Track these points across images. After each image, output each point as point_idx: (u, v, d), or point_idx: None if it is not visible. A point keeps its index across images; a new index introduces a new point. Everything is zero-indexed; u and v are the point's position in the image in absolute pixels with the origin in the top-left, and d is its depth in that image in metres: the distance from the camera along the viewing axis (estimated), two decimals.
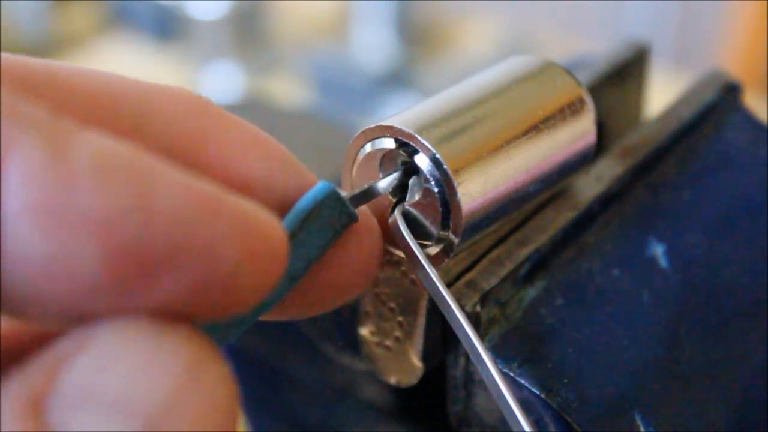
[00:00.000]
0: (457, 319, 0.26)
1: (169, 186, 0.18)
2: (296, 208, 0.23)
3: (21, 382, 0.18)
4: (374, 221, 0.26)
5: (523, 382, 0.27)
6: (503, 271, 0.28)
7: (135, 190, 0.18)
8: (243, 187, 0.23)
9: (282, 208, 0.23)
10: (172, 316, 0.19)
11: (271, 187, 0.23)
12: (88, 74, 0.22)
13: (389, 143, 0.27)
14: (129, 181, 0.18)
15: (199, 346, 0.19)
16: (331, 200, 0.23)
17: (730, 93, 0.37)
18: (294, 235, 0.23)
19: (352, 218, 0.24)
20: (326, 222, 0.23)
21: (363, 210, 0.25)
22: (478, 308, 0.27)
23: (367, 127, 0.27)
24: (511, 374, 0.27)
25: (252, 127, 0.24)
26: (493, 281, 0.28)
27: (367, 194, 0.26)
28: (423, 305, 0.28)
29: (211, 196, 0.19)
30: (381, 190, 0.27)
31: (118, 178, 0.18)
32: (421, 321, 0.28)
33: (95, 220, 0.17)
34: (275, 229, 0.20)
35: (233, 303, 0.20)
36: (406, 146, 0.26)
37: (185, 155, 0.22)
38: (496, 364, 0.25)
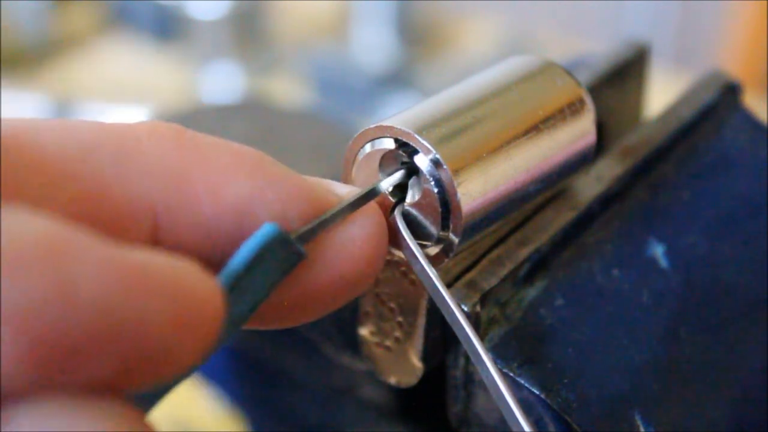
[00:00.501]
0: (457, 319, 0.25)
1: (93, 269, 0.18)
2: (240, 252, 0.22)
3: None
4: (382, 218, 0.25)
5: (523, 382, 0.27)
6: (503, 271, 0.28)
7: (55, 278, 0.17)
8: (237, 211, 0.23)
9: (280, 219, 0.23)
10: (99, 390, 0.18)
11: (263, 204, 0.23)
12: (58, 133, 0.21)
13: (389, 143, 0.27)
14: (49, 269, 0.17)
15: (125, 422, 0.18)
16: (276, 243, 0.23)
17: (730, 93, 0.37)
18: (238, 280, 0.22)
19: (301, 257, 0.23)
20: (272, 264, 0.23)
21: (372, 206, 0.25)
22: (478, 308, 0.27)
23: (367, 127, 0.27)
24: (511, 374, 0.27)
25: (231, 145, 0.24)
26: (493, 281, 0.28)
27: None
28: (423, 305, 0.28)
29: (139, 272, 0.18)
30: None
31: (37, 267, 0.17)
32: (421, 321, 0.28)
33: (14, 312, 0.17)
34: (209, 293, 0.20)
35: (165, 372, 0.19)
36: (406, 146, 0.26)
37: (170, 194, 0.22)
38: (495, 364, 0.25)
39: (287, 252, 0.23)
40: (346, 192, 0.25)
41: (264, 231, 0.23)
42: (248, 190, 0.23)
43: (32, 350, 0.17)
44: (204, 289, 0.20)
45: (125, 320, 0.18)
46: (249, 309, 0.23)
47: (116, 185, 0.22)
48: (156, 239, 0.23)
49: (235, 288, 0.22)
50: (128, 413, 0.19)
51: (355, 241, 0.24)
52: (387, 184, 0.27)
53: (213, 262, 0.22)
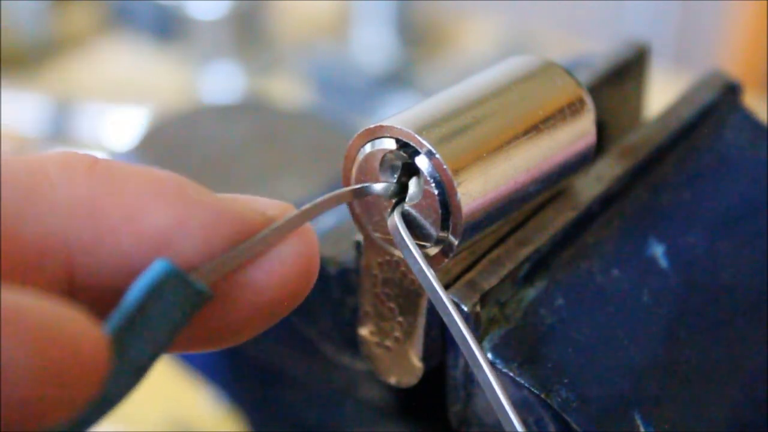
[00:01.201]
0: (454, 320, 0.25)
1: None
2: (131, 291, 0.21)
3: None
4: (312, 236, 0.23)
5: (523, 382, 0.27)
6: (503, 271, 0.28)
7: None
8: (157, 242, 0.21)
9: (204, 247, 0.22)
10: None
11: (184, 232, 0.21)
12: None
13: (389, 143, 0.27)
14: None
15: None
16: (171, 281, 0.21)
17: (730, 93, 0.37)
18: (132, 323, 0.20)
19: (204, 296, 0.21)
20: (170, 304, 0.21)
21: (306, 230, 0.23)
22: (478, 308, 0.27)
23: (366, 127, 0.27)
24: (511, 374, 0.27)
25: (147, 172, 0.22)
26: (493, 281, 0.28)
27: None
28: (423, 305, 0.28)
29: (6, 313, 0.17)
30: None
31: None
32: (421, 321, 0.28)
33: None
34: (90, 341, 0.18)
35: (43, 422, 0.18)
36: (406, 146, 0.26)
37: (83, 229, 0.21)
38: (491, 366, 0.25)
39: (186, 291, 0.21)
40: (276, 212, 0.23)
41: (156, 268, 0.21)
42: (168, 219, 0.21)
43: None
44: (83, 337, 0.18)
45: None
46: (150, 353, 0.21)
47: (24, 224, 0.20)
48: (73, 279, 0.21)
49: (129, 330, 0.20)
50: None
51: (281, 260, 0.23)
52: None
53: None
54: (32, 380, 0.17)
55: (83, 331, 0.18)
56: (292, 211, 0.23)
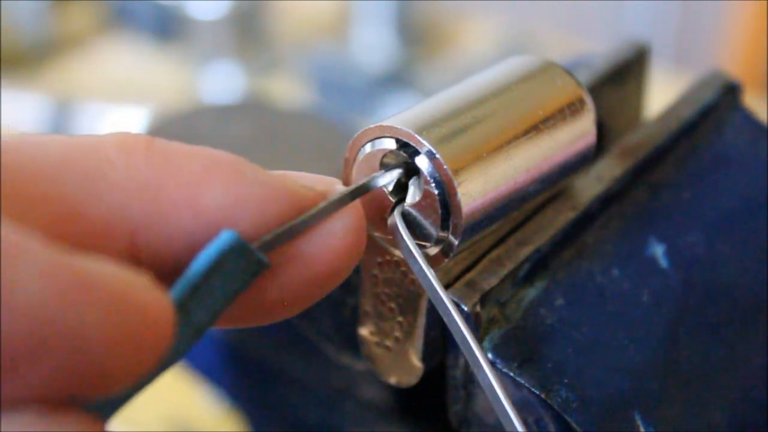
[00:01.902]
0: (454, 320, 0.25)
1: (31, 273, 0.17)
2: (197, 260, 0.22)
3: None
4: (360, 211, 0.25)
5: (523, 382, 0.27)
6: (503, 271, 0.28)
7: None
8: (216, 219, 0.22)
9: (259, 222, 0.23)
10: (51, 398, 0.18)
11: (241, 209, 0.22)
12: (26, 153, 0.21)
13: (389, 143, 0.27)
14: None
15: (80, 429, 0.18)
16: (235, 251, 0.22)
17: (730, 93, 0.37)
18: (196, 289, 0.22)
19: (263, 266, 0.23)
20: (232, 273, 0.22)
21: (355, 205, 0.25)
22: (478, 308, 0.27)
23: (367, 127, 0.27)
24: (511, 374, 0.27)
25: (203, 152, 0.23)
26: (493, 281, 0.28)
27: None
28: (423, 305, 0.28)
29: (81, 280, 0.18)
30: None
31: None
32: (421, 321, 0.28)
33: None
34: (158, 307, 0.19)
35: (113, 383, 0.19)
36: (407, 146, 0.26)
37: (144, 208, 0.22)
38: (491, 365, 0.25)
39: (247, 260, 0.22)
40: (325, 186, 0.25)
41: (222, 238, 0.22)
42: (225, 198, 0.22)
43: None
44: (152, 303, 0.19)
45: (63, 327, 0.17)
46: (209, 317, 0.22)
47: (88, 204, 0.21)
48: (135, 255, 0.22)
49: (193, 295, 0.22)
50: (85, 419, 0.18)
51: (334, 232, 0.24)
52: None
53: None
54: (106, 342, 0.18)
55: (152, 297, 0.19)
56: (340, 186, 0.25)
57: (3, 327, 0.17)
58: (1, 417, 0.17)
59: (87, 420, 0.18)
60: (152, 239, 0.22)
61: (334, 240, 0.24)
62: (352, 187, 0.25)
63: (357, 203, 0.25)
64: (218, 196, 0.22)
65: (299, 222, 0.23)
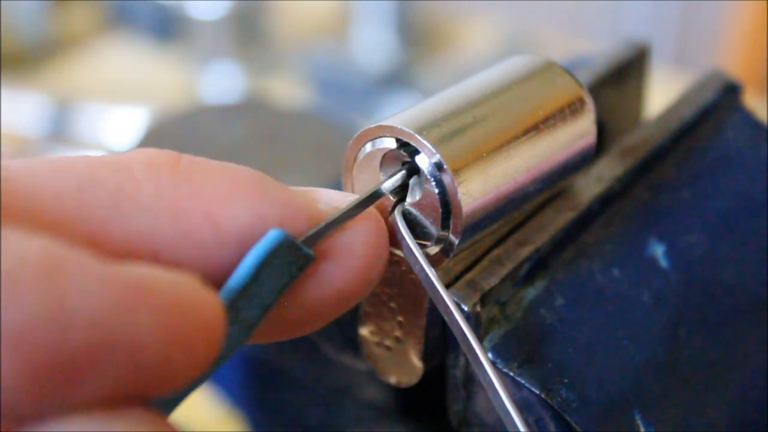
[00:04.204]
0: (456, 320, 0.25)
1: (87, 285, 0.18)
2: (247, 259, 0.23)
3: None
4: (382, 223, 0.25)
5: (523, 382, 0.27)
6: (503, 271, 0.28)
7: (49, 295, 0.17)
8: (238, 238, 0.23)
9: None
10: (117, 399, 0.18)
11: (263, 228, 0.23)
12: (52, 174, 0.21)
13: (389, 143, 0.27)
14: (42, 286, 0.17)
15: (148, 426, 0.19)
16: (283, 248, 0.23)
17: (730, 93, 0.37)
18: (246, 287, 0.22)
19: (309, 259, 0.24)
20: (280, 269, 0.23)
21: (371, 212, 0.25)
22: (478, 308, 0.27)
23: (367, 127, 0.27)
24: (511, 374, 0.27)
25: (228, 169, 0.23)
26: (493, 281, 0.28)
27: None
28: (423, 305, 0.28)
29: (134, 287, 0.18)
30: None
31: (31, 283, 0.17)
32: (421, 321, 0.28)
33: (9, 329, 0.17)
34: (209, 307, 0.20)
35: (170, 383, 0.19)
36: (407, 146, 0.26)
37: (168, 228, 0.22)
38: (493, 365, 0.25)
39: (295, 255, 0.23)
40: (344, 201, 0.25)
41: (270, 236, 0.23)
42: (248, 217, 0.23)
43: (32, 372, 0.17)
44: (203, 303, 0.20)
45: (121, 334, 0.18)
46: (259, 314, 0.23)
47: (113, 224, 0.21)
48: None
49: (243, 294, 0.22)
50: (149, 416, 0.19)
51: (355, 250, 0.24)
52: (389, 185, 0.27)
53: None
54: (163, 344, 0.19)
55: (202, 298, 0.20)
56: (358, 196, 0.25)
57: (66, 338, 0.17)
58: (73, 419, 0.18)
59: (150, 416, 0.19)
60: (175, 258, 0.22)
61: (356, 258, 0.24)
62: (361, 197, 0.25)
63: (379, 220, 0.25)
64: (241, 215, 0.23)
65: (332, 221, 0.24)
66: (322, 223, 0.24)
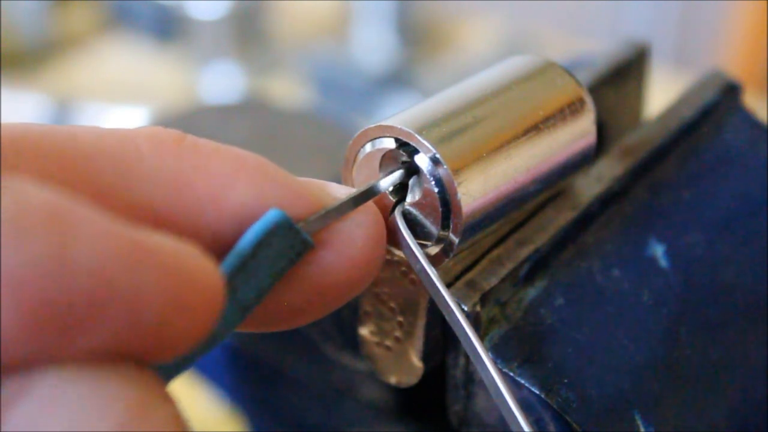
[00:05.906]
0: (457, 319, 0.26)
1: (91, 236, 0.18)
2: (246, 236, 0.23)
3: None
4: (380, 217, 0.25)
5: (523, 381, 0.27)
6: (503, 271, 0.28)
7: (53, 241, 0.17)
8: (239, 217, 0.23)
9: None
10: (114, 357, 0.18)
11: (264, 209, 0.23)
12: (57, 140, 0.21)
13: (389, 143, 0.27)
14: (47, 233, 0.17)
15: (144, 387, 0.18)
16: (282, 229, 0.23)
17: (730, 93, 0.37)
18: (243, 264, 0.22)
19: (307, 245, 0.23)
20: (279, 251, 0.23)
21: (369, 206, 0.25)
22: (478, 308, 0.27)
23: (367, 127, 0.27)
24: (511, 374, 0.27)
25: (231, 150, 0.23)
26: (493, 281, 0.28)
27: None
28: (423, 305, 0.28)
29: (138, 245, 0.19)
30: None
31: (36, 230, 0.17)
32: (421, 321, 0.28)
33: (11, 273, 0.17)
34: (209, 276, 0.20)
35: (166, 348, 0.19)
36: (407, 146, 0.26)
37: (171, 201, 0.22)
38: (495, 364, 0.25)
39: (293, 239, 0.23)
40: (344, 192, 0.25)
41: (270, 216, 0.23)
42: (250, 197, 0.23)
43: (30, 315, 0.17)
44: (204, 271, 0.20)
45: (121, 289, 0.18)
46: (254, 296, 0.23)
47: (115, 193, 0.22)
48: None
49: (240, 272, 0.22)
50: (149, 381, 0.19)
51: (354, 241, 0.24)
52: (386, 183, 0.27)
53: None
54: (162, 304, 0.19)
55: (204, 266, 0.20)
56: (343, 188, 0.25)
57: (65, 284, 0.17)
58: (65, 371, 0.18)
59: (144, 376, 0.19)
60: (175, 232, 0.22)
61: (354, 249, 0.24)
62: (360, 189, 0.25)
63: (378, 214, 0.25)
64: (242, 194, 0.23)
65: (331, 210, 0.24)
66: (322, 211, 0.24)
